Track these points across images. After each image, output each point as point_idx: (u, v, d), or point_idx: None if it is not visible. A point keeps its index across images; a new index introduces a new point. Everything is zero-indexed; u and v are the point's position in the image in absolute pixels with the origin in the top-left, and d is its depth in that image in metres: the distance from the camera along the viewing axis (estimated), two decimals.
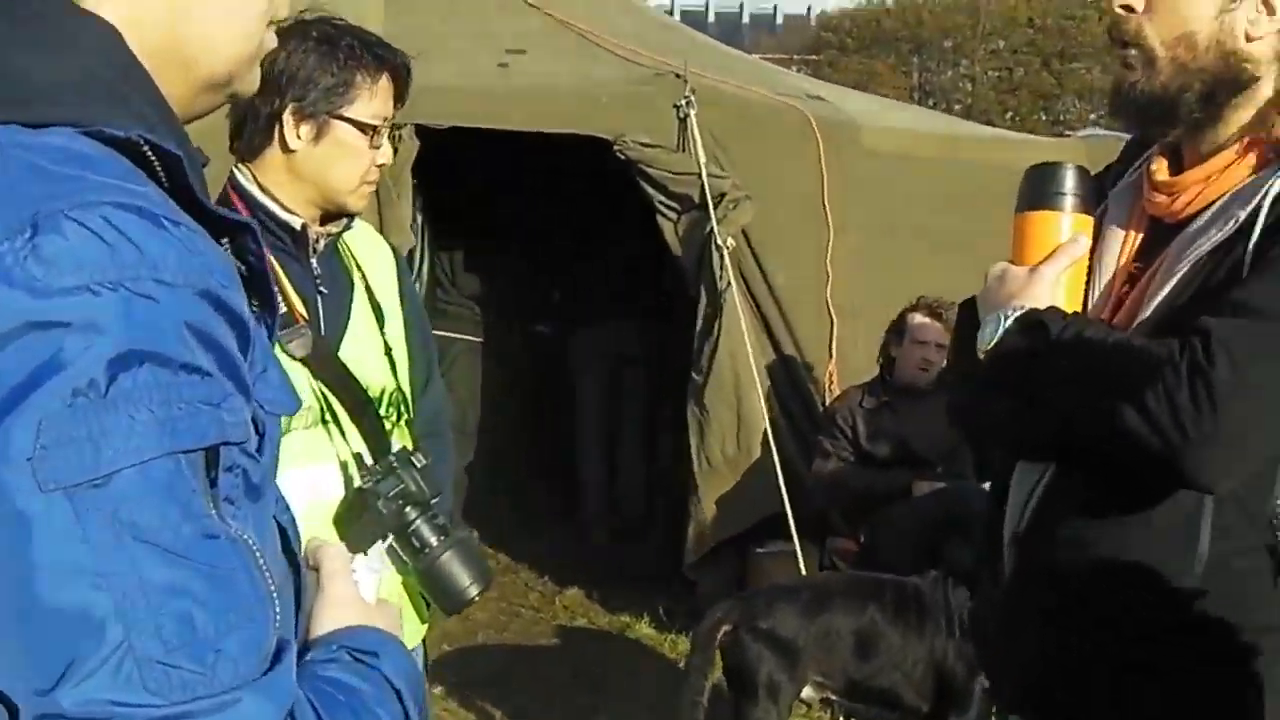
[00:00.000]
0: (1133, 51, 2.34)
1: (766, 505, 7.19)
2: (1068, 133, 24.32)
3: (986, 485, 6.46)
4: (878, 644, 5.09)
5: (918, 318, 6.99)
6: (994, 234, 7.84)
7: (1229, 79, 2.32)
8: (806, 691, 5.20)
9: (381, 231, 6.75)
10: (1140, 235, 2.47)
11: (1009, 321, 2.31)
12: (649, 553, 8.62)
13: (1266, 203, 2.23)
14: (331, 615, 1.51)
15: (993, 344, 2.31)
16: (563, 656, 7.37)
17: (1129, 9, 2.34)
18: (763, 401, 7.34)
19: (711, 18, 56.78)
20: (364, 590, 1.61)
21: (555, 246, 9.44)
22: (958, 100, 50.19)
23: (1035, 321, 2.28)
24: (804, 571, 6.75)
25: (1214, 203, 2.33)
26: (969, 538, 6.23)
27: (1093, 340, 2.21)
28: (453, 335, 9.03)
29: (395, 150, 6.67)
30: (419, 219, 7.90)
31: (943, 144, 8.93)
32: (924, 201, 8.28)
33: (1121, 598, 2.31)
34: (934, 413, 6.77)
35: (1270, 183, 2.25)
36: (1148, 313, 2.31)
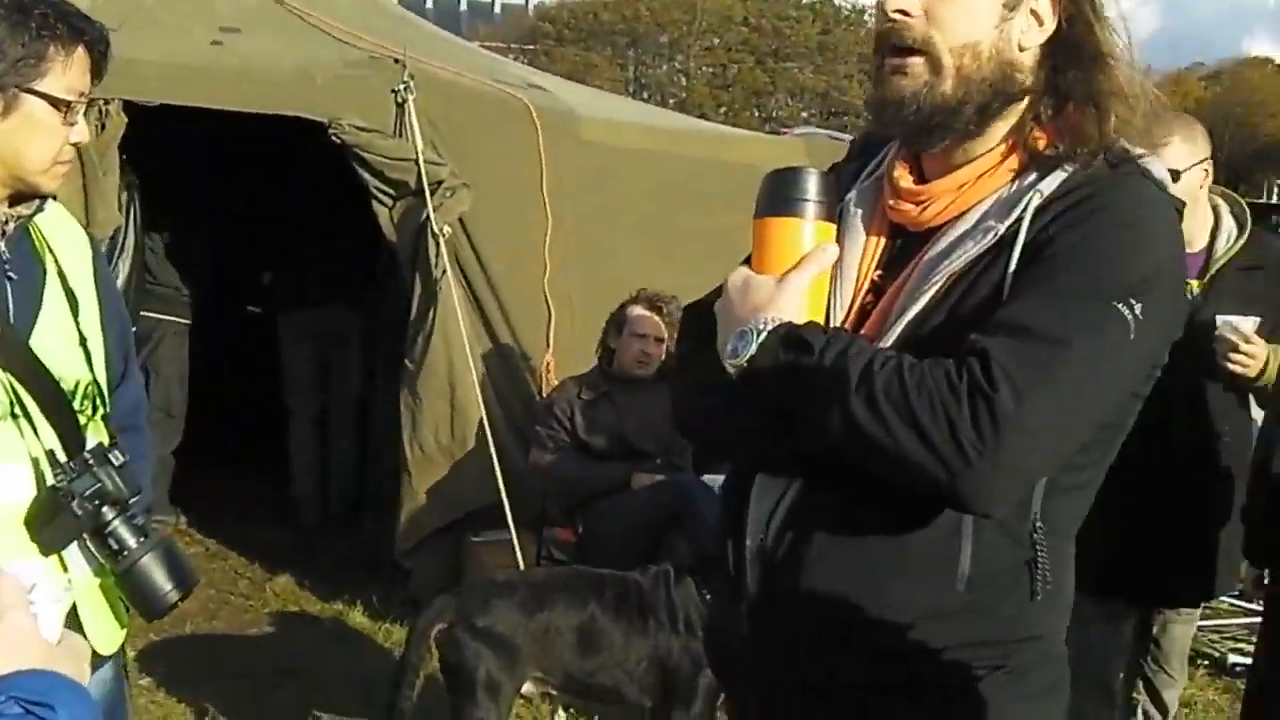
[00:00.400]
0: (915, 59, 2.25)
1: (482, 495, 7.14)
2: (782, 130, 24.74)
3: (706, 478, 6.57)
4: (599, 641, 5.02)
5: (637, 310, 6.97)
6: (714, 229, 7.97)
7: (1005, 90, 2.27)
8: (526, 688, 5.12)
9: (87, 210, 6.53)
10: (883, 242, 2.40)
11: (763, 336, 2.19)
12: (362, 539, 8.53)
13: (1028, 216, 2.19)
14: (3, 657, 1.33)
15: (746, 358, 2.20)
16: (274, 646, 7.21)
17: (905, 13, 2.25)
18: (478, 391, 7.26)
19: (429, 4, 56.34)
20: (45, 624, 1.41)
21: (268, 229, 9.30)
22: (672, 95, 50.85)
23: (796, 337, 2.18)
24: (520, 561, 6.71)
25: (966, 213, 2.28)
26: (689, 532, 6.26)
27: (861, 359, 2.12)
28: (160, 317, 8.91)
29: (103, 127, 6.45)
30: (127, 198, 7.61)
31: (663, 138, 8.97)
32: (644, 194, 8.30)
33: (876, 617, 2.25)
34: (652, 405, 6.80)
35: (1030, 195, 2.21)
36: (900, 326, 2.24)
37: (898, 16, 2.25)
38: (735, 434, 2.40)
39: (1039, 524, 2.23)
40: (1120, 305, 2.09)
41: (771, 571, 2.32)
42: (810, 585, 2.27)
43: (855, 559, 2.24)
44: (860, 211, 2.42)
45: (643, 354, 6.94)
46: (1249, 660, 6.85)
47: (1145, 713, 5.11)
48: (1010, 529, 2.21)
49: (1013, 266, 2.17)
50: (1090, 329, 2.08)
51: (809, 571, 2.27)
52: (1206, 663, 7.15)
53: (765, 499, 2.33)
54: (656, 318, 6.95)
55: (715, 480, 6.64)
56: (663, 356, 6.97)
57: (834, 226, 2.35)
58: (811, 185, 2.32)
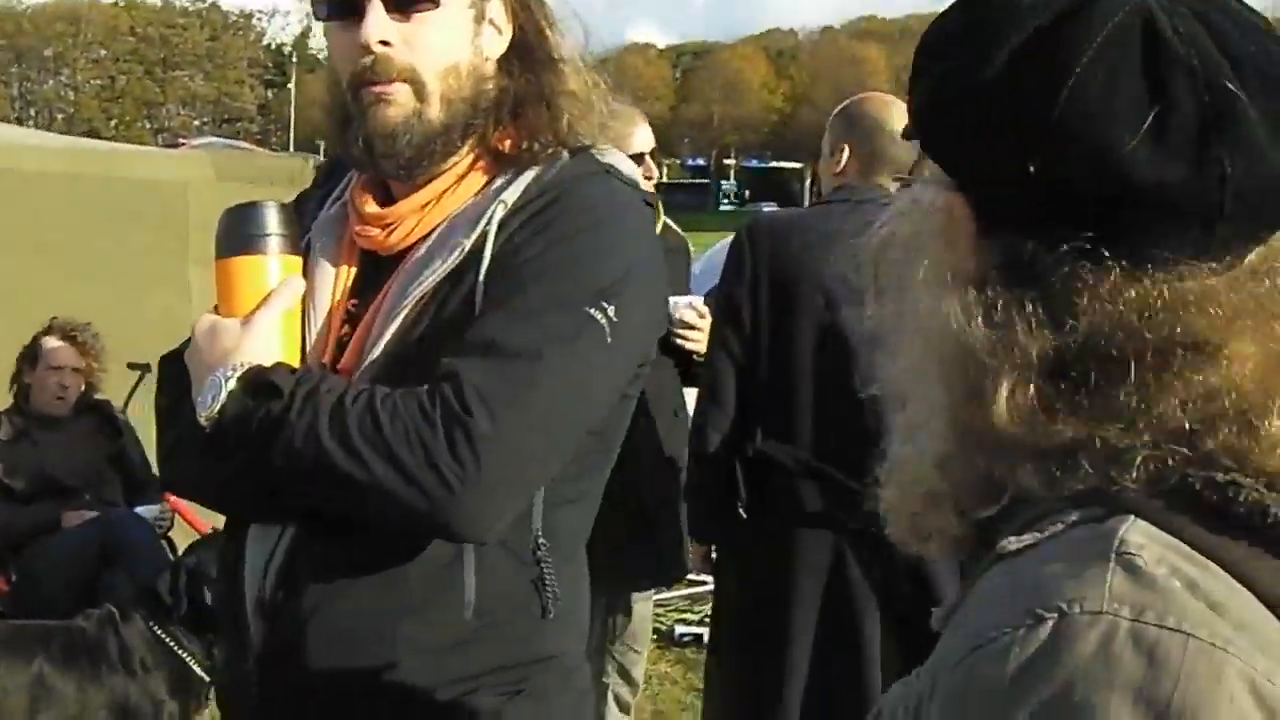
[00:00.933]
0: (400, 86, 2.18)
1: None
2: (180, 141, 24.17)
3: (139, 510, 6.36)
4: (51, 697, 4.77)
5: (51, 342, 6.65)
6: (122, 249, 7.68)
7: (480, 105, 2.24)
8: None
9: None
10: (354, 270, 2.33)
11: (231, 383, 2.09)
12: None
13: (493, 229, 2.16)
14: None
15: (217, 410, 2.09)
16: None
17: (386, 44, 2.17)
18: None
19: None
20: None
21: None
22: (61, 110, 49.10)
23: (263, 383, 2.08)
24: None
25: (434, 231, 2.23)
26: (128, 567, 6.05)
27: (331, 397, 2.04)
28: None
29: None
30: None
31: (61, 158, 8.66)
32: (47, 218, 7.98)
33: (388, 659, 2.18)
34: (76, 439, 6.59)
35: (493, 207, 2.18)
36: (375, 354, 2.18)
37: (380, 48, 2.17)
38: (221, 487, 2.28)
39: (542, 541, 2.21)
40: (593, 310, 2.08)
41: (275, 625, 2.22)
42: (317, 635, 2.18)
43: (359, 602, 2.17)
44: (327, 240, 2.35)
45: (60, 387, 6.65)
46: (695, 630, 7.22)
47: (616, 695, 5.26)
48: (513, 549, 2.19)
49: (481, 282, 2.14)
50: (562, 339, 2.07)
51: (314, 621, 2.18)
52: (654, 636, 7.40)
53: (260, 550, 2.23)
54: (72, 348, 6.66)
55: (150, 511, 6.47)
56: (82, 388, 6.71)
57: (300, 260, 2.28)
58: (271, 219, 2.24)
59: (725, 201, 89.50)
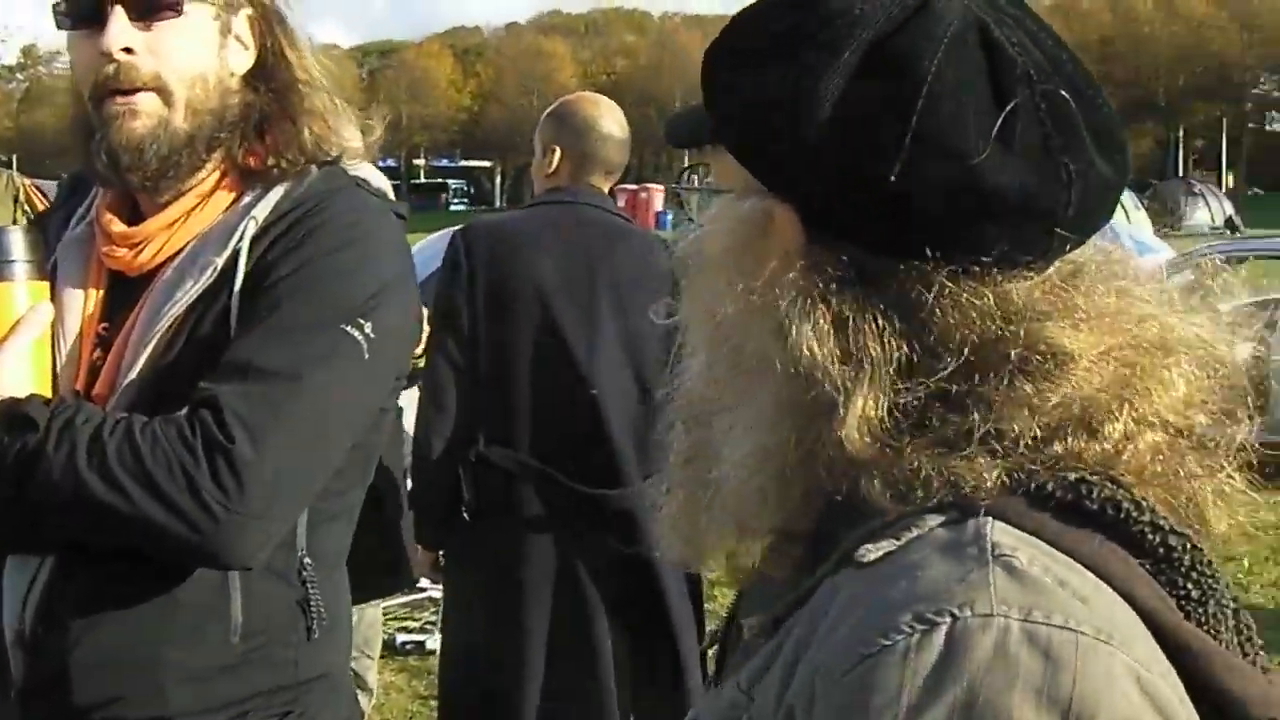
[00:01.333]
0: (147, 95, 2.14)
1: None
2: None
3: None
4: None
5: None
6: None
7: (225, 118, 2.21)
8: None
9: None
10: (103, 293, 2.26)
11: None
12: None
13: (245, 245, 2.14)
14: None
15: None
16: None
17: (130, 51, 2.12)
18: None
19: None
20: None
21: None
22: None
23: (18, 415, 2.02)
24: None
25: (183, 250, 2.19)
26: None
27: (88, 428, 2.00)
28: None
29: None
30: None
31: None
32: None
33: (157, 688, 2.13)
34: None
35: (244, 224, 2.16)
36: (131, 377, 2.13)
37: (123, 56, 2.13)
38: None
39: (306, 560, 2.20)
40: (349, 328, 2.09)
41: (36, 657, 2.16)
42: (81, 665, 2.13)
43: (124, 631, 2.13)
44: (73, 262, 2.28)
45: None
46: (416, 638, 7.20)
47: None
48: (278, 571, 2.18)
49: (235, 302, 2.12)
50: (320, 359, 2.07)
51: (77, 651, 2.13)
52: None
53: (18, 582, 2.17)
54: None
55: None
56: None
57: (47, 284, 2.22)
58: (15, 244, 2.18)
59: (455, 201, 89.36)
